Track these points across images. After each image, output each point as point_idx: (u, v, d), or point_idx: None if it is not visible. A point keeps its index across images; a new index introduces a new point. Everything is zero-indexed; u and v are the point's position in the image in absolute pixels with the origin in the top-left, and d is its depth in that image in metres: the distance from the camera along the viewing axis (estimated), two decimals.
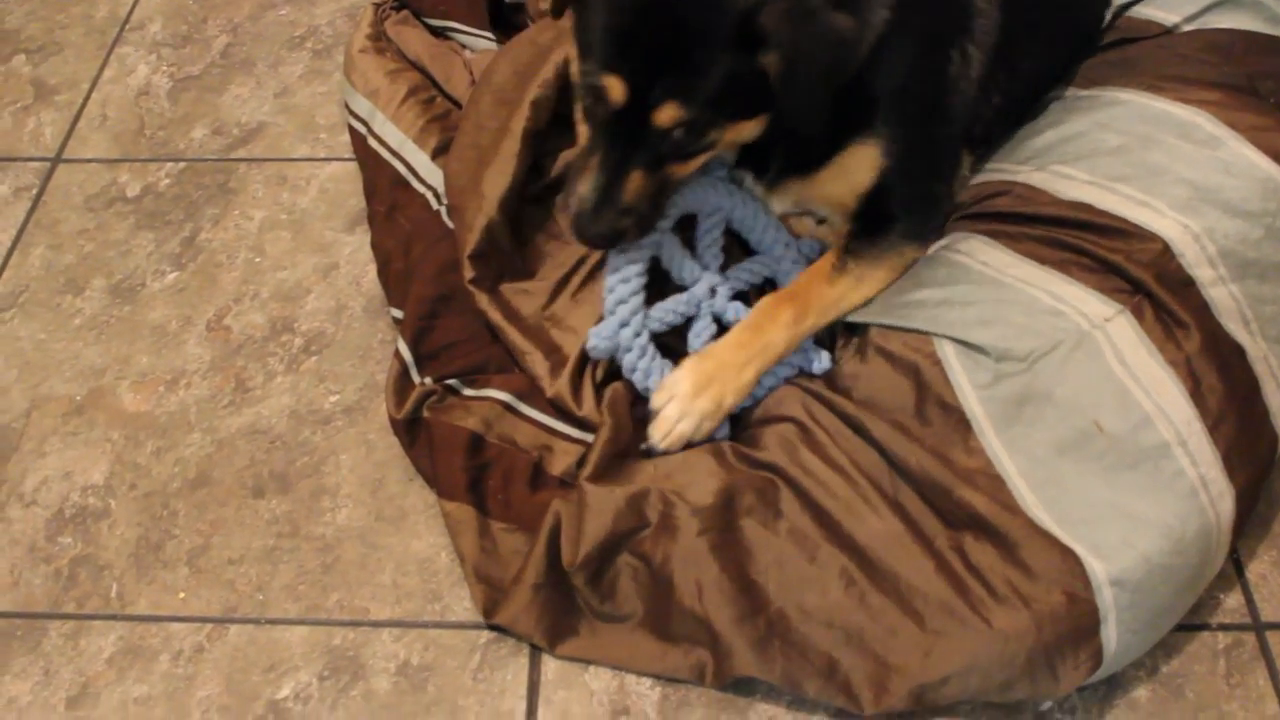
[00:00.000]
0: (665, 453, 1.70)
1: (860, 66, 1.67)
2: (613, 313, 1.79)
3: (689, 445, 1.71)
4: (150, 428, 1.94)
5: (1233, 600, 1.68)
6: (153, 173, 2.37)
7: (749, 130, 1.71)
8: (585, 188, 1.66)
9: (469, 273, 1.92)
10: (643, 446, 1.72)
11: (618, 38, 1.59)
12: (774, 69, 1.57)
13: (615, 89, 1.59)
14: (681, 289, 1.87)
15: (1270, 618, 1.66)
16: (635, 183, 1.67)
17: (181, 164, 2.38)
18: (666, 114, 1.59)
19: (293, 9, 2.71)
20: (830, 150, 1.79)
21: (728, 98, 1.61)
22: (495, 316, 1.89)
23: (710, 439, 1.73)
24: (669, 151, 1.66)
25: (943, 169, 1.89)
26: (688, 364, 1.73)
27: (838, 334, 1.82)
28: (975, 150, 1.94)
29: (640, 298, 1.80)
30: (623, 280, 1.79)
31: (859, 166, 1.79)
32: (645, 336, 1.78)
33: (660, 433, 1.70)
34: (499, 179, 1.94)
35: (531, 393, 1.84)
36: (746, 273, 1.90)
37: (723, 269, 1.90)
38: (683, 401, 1.70)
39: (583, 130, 1.77)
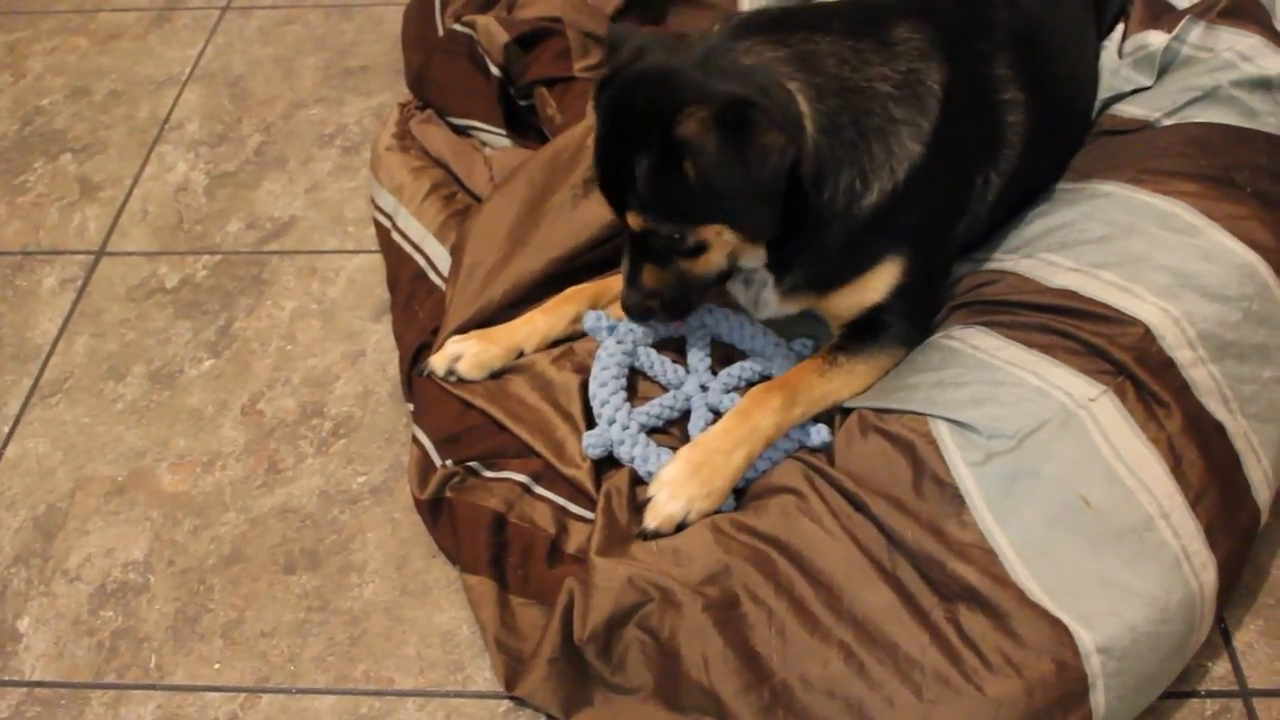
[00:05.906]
0: (657, 534, 1.76)
1: (896, 195, 1.80)
2: (600, 414, 1.90)
3: (684, 526, 1.77)
4: (187, 507, 2.03)
5: (1220, 668, 1.72)
6: (190, 265, 2.48)
7: (727, 240, 1.77)
8: (624, 270, 1.87)
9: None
10: (636, 532, 1.78)
11: (599, 163, 1.79)
12: (691, 176, 1.65)
13: (608, 203, 1.80)
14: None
15: (1257, 685, 1.70)
16: (650, 274, 1.84)
17: (218, 256, 2.49)
18: (633, 221, 1.77)
19: (322, 109, 2.85)
20: (858, 269, 1.88)
21: (675, 203, 1.71)
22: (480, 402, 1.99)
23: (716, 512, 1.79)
24: (664, 249, 1.79)
25: (939, 280, 1.99)
26: (680, 453, 1.82)
27: (836, 413, 1.89)
28: (963, 254, 2.03)
29: (621, 395, 1.92)
30: (600, 384, 1.93)
31: (878, 285, 1.89)
32: (635, 427, 1.89)
33: (651, 517, 1.77)
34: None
35: (546, 475, 1.91)
36: (740, 368, 2.00)
37: (714, 373, 2.00)
38: (672, 487, 1.78)
39: None
